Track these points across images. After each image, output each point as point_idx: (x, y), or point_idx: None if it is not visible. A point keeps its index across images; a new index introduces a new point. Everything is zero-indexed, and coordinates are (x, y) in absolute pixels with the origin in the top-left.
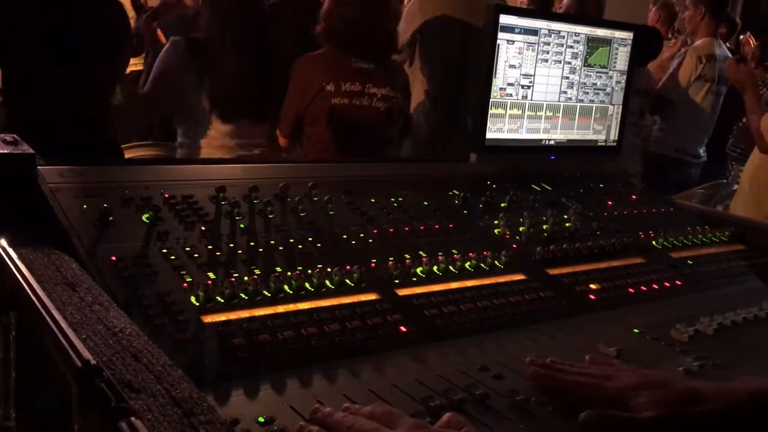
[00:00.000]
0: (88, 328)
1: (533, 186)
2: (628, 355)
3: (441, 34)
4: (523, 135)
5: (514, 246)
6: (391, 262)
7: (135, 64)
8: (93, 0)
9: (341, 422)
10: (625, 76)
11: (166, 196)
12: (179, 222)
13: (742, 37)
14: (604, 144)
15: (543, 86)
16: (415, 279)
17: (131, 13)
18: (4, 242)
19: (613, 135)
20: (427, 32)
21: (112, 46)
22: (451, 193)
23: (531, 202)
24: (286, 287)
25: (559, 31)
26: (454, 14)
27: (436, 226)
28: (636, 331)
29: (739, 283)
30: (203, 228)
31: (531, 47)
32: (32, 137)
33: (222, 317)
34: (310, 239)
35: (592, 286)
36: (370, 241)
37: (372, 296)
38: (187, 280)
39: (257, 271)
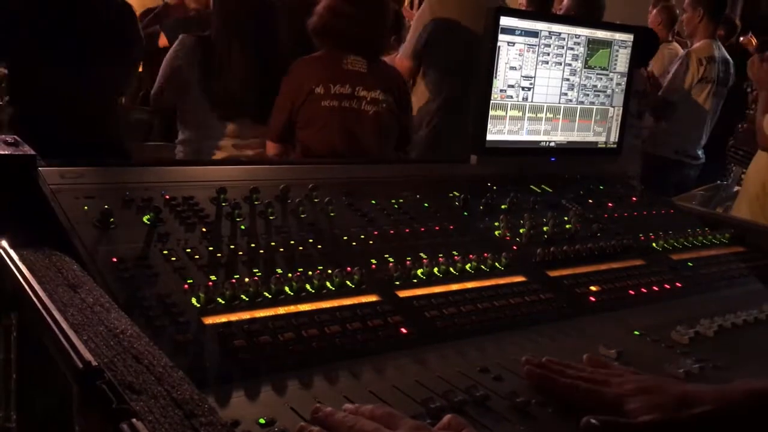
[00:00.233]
0: (89, 330)
1: (533, 188)
2: (629, 357)
3: (451, 42)
4: (523, 137)
5: (515, 248)
6: (391, 264)
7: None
8: (97, 1)
9: (342, 422)
10: (625, 78)
11: (167, 197)
12: (180, 223)
13: (742, 38)
14: (604, 146)
15: (543, 88)
16: (415, 281)
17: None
18: (5, 243)
19: (614, 137)
20: (436, 41)
21: (116, 47)
22: (451, 194)
23: (531, 204)
24: (286, 289)
25: (560, 33)
26: (463, 21)
27: (437, 228)
28: (636, 333)
29: (739, 285)
30: (204, 229)
31: (531, 49)
32: (37, 137)
33: (223, 319)
34: (310, 241)
35: (593, 288)
36: (371, 242)
37: (372, 298)
38: (188, 281)
39: (258, 273)
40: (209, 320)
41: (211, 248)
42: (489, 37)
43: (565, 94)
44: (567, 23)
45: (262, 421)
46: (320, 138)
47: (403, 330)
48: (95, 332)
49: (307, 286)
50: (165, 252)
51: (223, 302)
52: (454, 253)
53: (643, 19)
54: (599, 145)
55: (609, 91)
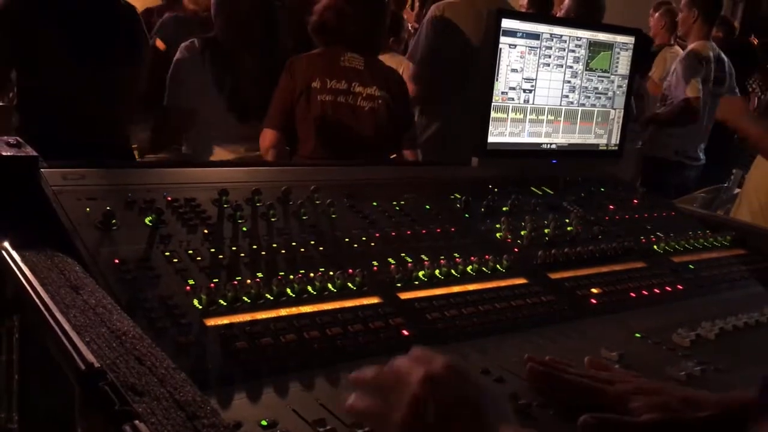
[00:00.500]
0: (91, 331)
1: (535, 190)
2: (630, 360)
3: (457, 45)
4: (524, 139)
5: (516, 250)
6: (393, 266)
7: None
8: (102, 3)
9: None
10: (626, 81)
11: (169, 199)
12: (182, 225)
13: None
14: (605, 148)
15: (545, 90)
16: (417, 283)
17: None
18: (7, 245)
19: (615, 139)
20: (444, 44)
21: (124, 49)
22: (452, 196)
23: (532, 206)
24: (288, 290)
25: (561, 36)
26: (470, 24)
27: (438, 230)
28: (637, 335)
29: (740, 287)
30: (206, 231)
31: (533, 51)
32: (44, 140)
33: (225, 320)
34: (312, 242)
35: (594, 291)
36: (372, 244)
37: (374, 300)
38: (190, 283)
39: (260, 275)
40: (211, 322)
41: (213, 250)
42: (490, 40)
43: (567, 97)
44: (568, 25)
45: (264, 422)
46: (315, 132)
47: (405, 332)
48: (97, 334)
49: (309, 288)
50: (167, 253)
51: (224, 304)
52: (456, 255)
53: (641, 22)
54: (600, 148)
55: (610, 94)
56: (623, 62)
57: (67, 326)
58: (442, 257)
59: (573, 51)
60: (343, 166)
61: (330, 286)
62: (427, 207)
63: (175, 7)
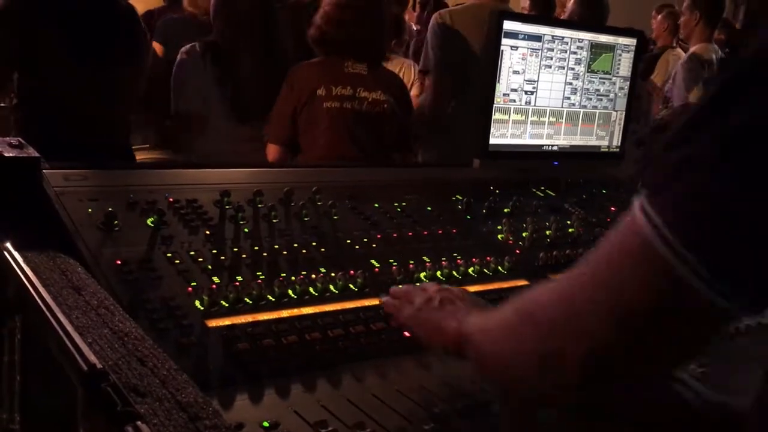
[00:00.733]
0: (93, 332)
1: (536, 191)
2: None
3: (463, 49)
4: (526, 141)
5: (517, 252)
6: (394, 267)
7: None
8: (102, 4)
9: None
10: (628, 83)
11: (171, 200)
12: (184, 226)
13: None
14: (607, 150)
15: (546, 92)
16: (419, 284)
17: None
18: (9, 245)
19: (616, 141)
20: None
21: (124, 50)
22: (454, 198)
23: (534, 208)
24: (290, 292)
25: (563, 37)
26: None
27: (440, 232)
28: None
29: None
30: (207, 232)
31: (534, 53)
32: (45, 140)
33: (226, 322)
34: (313, 244)
35: None
36: (374, 246)
37: (376, 301)
38: (192, 284)
39: (261, 276)
40: (213, 323)
41: (214, 251)
42: (492, 41)
43: (568, 98)
44: (570, 27)
45: (266, 424)
46: (322, 139)
47: (407, 334)
48: (100, 335)
49: (311, 290)
50: (169, 255)
51: (226, 305)
52: (457, 256)
53: (644, 24)
54: (602, 149)
55: (612, 95)
56: (625, 64)
57: (69, 327)
58: (444, 259)
59: (575, 53)
60: (345, 168)
61: (332, 287)
62: (429, 208)
63: (175, 9)
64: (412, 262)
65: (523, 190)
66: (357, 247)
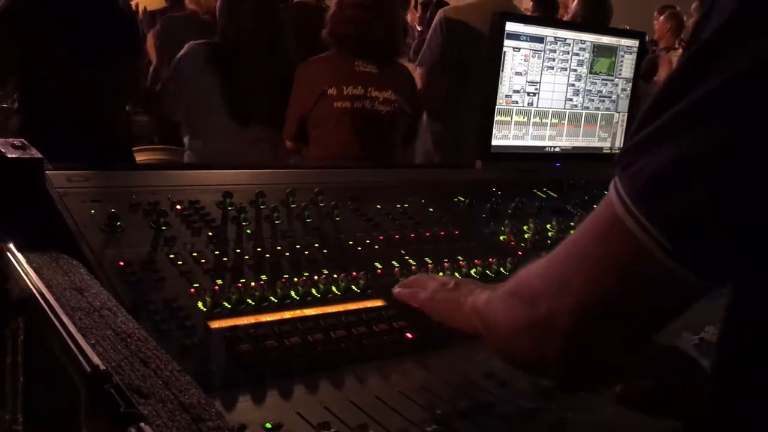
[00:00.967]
0: (96, 333)
1: (538, 193)
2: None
3: (466, 48)
4: (528, 142)
5: (520, 253)
6: (396, 269)
7: None
8: (101, 4)
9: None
10: (630, 84)
11: (173, 201)
12: (186, 227)
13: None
14: (609, 151)
15: (548, 93)
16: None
17: None
18: (12, 246)
19: (619, 142)
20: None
21: (121, 50)
22: (456, 199)
23: (536, 209)
24: (292, 293)
25: (565, 39)
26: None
27: (442, 233)
28: None
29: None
30: (210, 233)
31: (537, 54)
32: (43, 140)
33: (229, 323)
34: (316, 245)
35: None
36: (376, 247)
37: (378, 302)
38: (194, 285)
39: (264, 277)
40: (215, 324)
41: (217, 252)
42: (494, 43)
43: (570, 100)
44: (572, 29)
45: (268, 425)
46: (333, 138)
47: (409, 335)
48: (102, 336)
49: (313, 291)
50: (171, 256)
51: (229, 306)
52: (459, 258)
53: (646, 25)
54: (604, 151)
55: (614, 97)
56: (627, 65)
57: (72, 328)
58: (446, 260)
59: (577, 54)
60: (347, 169)
61: (334, 288)
62: (431, 210)
63: (177, 9)
64: (414, 263)
65: (526, 191)
66: (359, 248)
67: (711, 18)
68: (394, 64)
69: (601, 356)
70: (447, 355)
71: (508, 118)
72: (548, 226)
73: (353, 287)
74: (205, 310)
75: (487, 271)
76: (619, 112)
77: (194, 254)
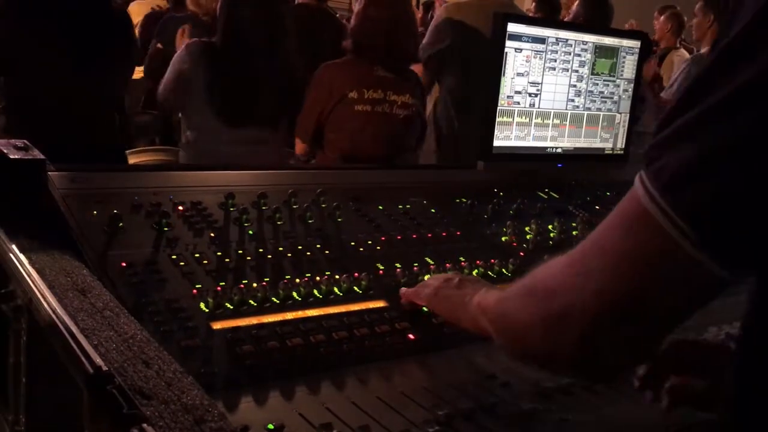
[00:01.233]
0: (99, 334)
1: (540, 194)
2: None
3: (468, 48)
4: (530, 143)
5: (522, 254)
6: (398, 270)
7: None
8: (93, 5)
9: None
10: (632, 85)
11: (175, 202)
12: (188, 228)
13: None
14: (611, 152)
15: (550, 94)
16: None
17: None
18: (15, 248)
19: (620, 143)
20: (455, 49)
21: (110, 53)
22: (458, 200)
23: (538, 210)
24: (294, 294)
25: (567, 40)
26: (480, 27)
27: (444, 234)
28: None
29: (747, 292)
30: (212, 234)
31: (539, 55)
32: (30, 142)
33: (231, 324)
34: (318, 246)
35: None
36: (378, 248)
37: (380, 303)
38: (197, 286)
39: (266, 278)
40: (217, 325)
41: (219, 253)
42: (496, 44)
43: (572, 101)
44: (574, 30)
45: (270, 426)
46: (353, 142)
47: (411, 336)
48: (105, 337)
49: (315, 292)
50: (173, 257)
51: (231, 307)
52: (461, 259)
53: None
54: (606, 152)
55: (616, 98)
56: (629, 66)
57: (74, 329)
58: (448, 261)
59: (579, 55)
60: (349, 170)
61: (336, 289)
62: (433, 211)
63: (178, 10)
64: (416, 264)
65: (527, 192)
66: (361, 249)
67: (737, 18)
68: (408, 69)
69: (617, 351)
70: (448, 357)
71: (510, 119)
72: (550, 226)
73: (355, 288)
74: (207, 311)
75: (489, 272)
76: (620, 113)
77: (196, 255)
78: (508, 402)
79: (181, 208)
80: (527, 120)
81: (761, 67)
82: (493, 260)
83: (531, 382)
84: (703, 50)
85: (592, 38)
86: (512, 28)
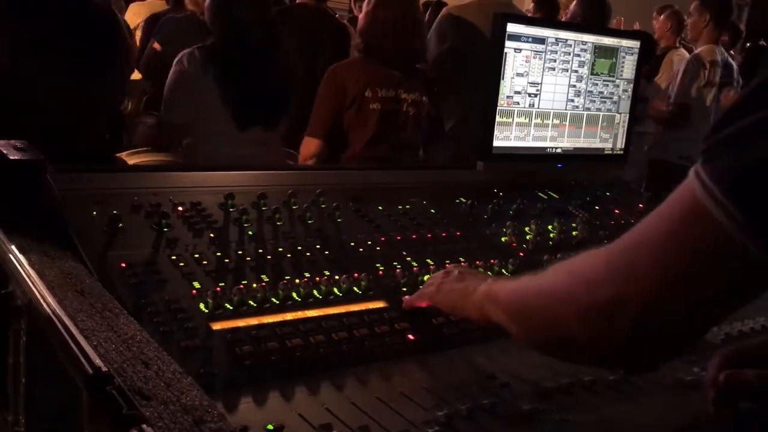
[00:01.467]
0: (98, 335)
1: (540, 194)
2: None
3: (471, 49)
4: (529, 143)
5: (521, 254)
6: (398, 270)
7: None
8: (81, 8)
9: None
10: (631, 85)
11: (175, 202)
12: (188, 229)
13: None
14: (610, 152)
15: (550, 94)
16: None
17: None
18: (14, 248)
19: (620, 143)
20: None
21: (98, 56)
22: (458, 200)
23: (538, 210)
24: (294, 295)
25: (566, 40)
26: (481, 28)
27: (444, 234)
28: None
29: None
30: (212, 235)
31: (538, 56)
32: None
33: (230, 324)
34: (317, 246)
35: None
36: (378, 248)
37: (380, 304)
38: (196, 287)
39: (265, 279)
40: (217, 326)
41: (218, 254)
42: (496, 44)
43: (572, 101)
44: (573, 30)
45: (270, 426)
46: (363, 140)
47: (410, 336)
48: (104, 338)
49: (315, 292)
50: (173, 257)
51: (230, 308)
52: (461, 259)
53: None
54: (606, 152)
55: (615, 98)
56: (628, 66)
57: (74, 330)
58: (448, 261)
59: (578, 55)
60: (348, 170)
61: (335, 290)
62: (433, 211)
63: (178, 10)
64: (416, 264)
65: (527, 192)
66: (361, 249)
67: None
68: (415, 68)
69: (663, 342)
70: (448, 357)
71: (510, 120)
72: (550, 227)
73: (355, 289)
74: (206, 311)
75: (489, 273)
76: (620, 113)
77: (196, 256)
78: (508, 402)
79: (180, 208)
80: (527, 120)
81: None
82: (492, 260)
83: (531, 382)
84: (697, 50)
85: (591, 38)
86: (512, 28)
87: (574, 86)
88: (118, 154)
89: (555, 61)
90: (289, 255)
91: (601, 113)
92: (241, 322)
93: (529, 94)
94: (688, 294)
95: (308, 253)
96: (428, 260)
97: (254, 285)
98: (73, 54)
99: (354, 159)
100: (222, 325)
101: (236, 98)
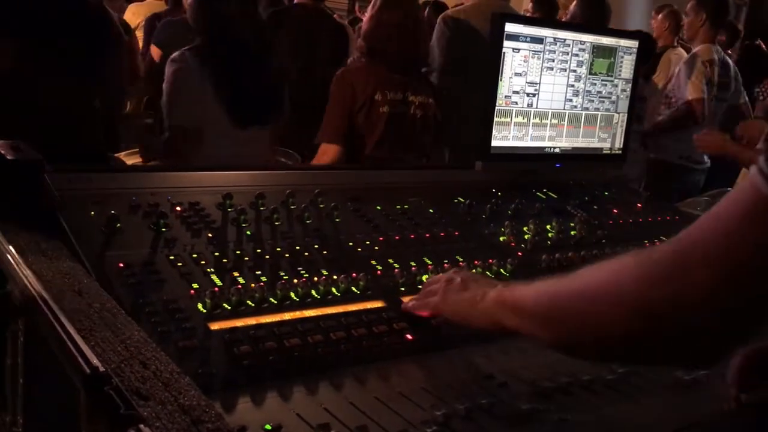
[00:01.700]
0: (96, 335)
1: (538, 194)
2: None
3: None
4: (528, 143)
5: (520, 254)
6: (396, 270)
7: None
8: (79, 8)
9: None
10: (630, 85)
11: (173, 202)
12: (186, 229)
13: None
14: (609, 152)
15: (548, 94)
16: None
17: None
18: (12, 249)
19: (618, 143)
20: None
21: (88, 53)
22: (456, 200)
23: (536, 210)
24: (292, 294)
25: (565, 40)
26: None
27: (442, 234)
28: None
29: None
30: (210, 235)
31: (536, 55)
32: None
33: (229, 324)
34: (316, 246)
35: None
36: (376, 248)
37: (378, 304)
38: (194, 287)
39: (264, 279)
40: (215, 326)
41: (217, 254)
42: (494, 44)
43: (570, 101)
44: (572, 29)
45: (268, 426)
46: (372, 143)
47: (409, 336)
48: (102, 338)
49: (313, 292)
50: (171, 257)
51: (229, 308)
52: (459, 259)
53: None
54: (604, 152)
55: (614, 98)
56: (627, 66)
57: (72, 330)
58: (446, 261)
59: (576, 55)
60: (347, 170)
61: (334, 290)
62: (431, 211)
63: (177, 12)
64: (414, 264)
65: (526, 192)
66: (359, 249)
67: None
68: (419, 71)
69: (728, 337)
70: (447, 357)
71: (508, 119)
72: (548, 226)
73: (353, 288)
74: (204, 311)
75: (488, 272)
76: (618, 113)
77: (194, 256)
78: (507, 402)
79: (178, 208)
80: (525, 120)
81: None
82: (491, 260)
83: (529, 382)
84: (695, 50)
85: (589, 38)
86: (510, 28)
87: (573, 86)
88: (116, 154)
89: (553, 60)
90: (287, 255)
91: (600, 113)
92: (239, 322)
93: (528, 94)
94: (751, 288)
95: (306, 253)
96: (427, 260)
97: (252, 285)
98: (72, 54)
99: (367, 161)
100: (220, 325)
101: (229, 96)
